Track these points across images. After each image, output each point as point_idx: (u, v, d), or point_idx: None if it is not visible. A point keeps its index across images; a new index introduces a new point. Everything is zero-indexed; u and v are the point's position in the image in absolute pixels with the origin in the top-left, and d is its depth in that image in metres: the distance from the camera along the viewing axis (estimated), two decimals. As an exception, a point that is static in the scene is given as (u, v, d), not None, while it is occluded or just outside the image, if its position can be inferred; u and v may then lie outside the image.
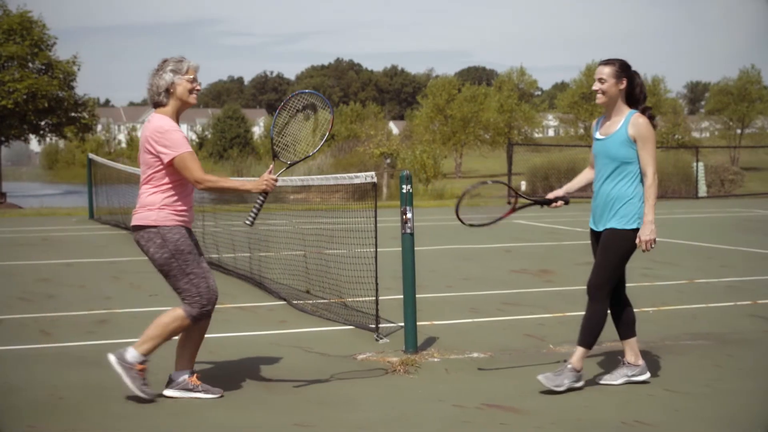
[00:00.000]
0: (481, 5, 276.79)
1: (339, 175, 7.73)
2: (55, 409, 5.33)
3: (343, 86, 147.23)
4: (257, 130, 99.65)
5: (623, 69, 5.63)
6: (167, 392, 5.53)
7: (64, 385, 5.83)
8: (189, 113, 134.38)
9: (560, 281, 10.38)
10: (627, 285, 5.93)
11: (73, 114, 34.90)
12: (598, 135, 5.75)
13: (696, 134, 69.26)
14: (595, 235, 5.77)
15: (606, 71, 5.62)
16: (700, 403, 5.39)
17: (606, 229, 5.61)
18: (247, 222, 5.52)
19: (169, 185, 5.42)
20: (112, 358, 5.40)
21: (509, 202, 5.46)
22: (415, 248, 6.70)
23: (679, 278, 10.50)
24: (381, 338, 7.16)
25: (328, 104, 5.76)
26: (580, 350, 5.64)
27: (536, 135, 67.91)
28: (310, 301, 8.73)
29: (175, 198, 5.44)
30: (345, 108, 79.99)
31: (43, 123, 34.64)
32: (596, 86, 5.68)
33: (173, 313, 5.49)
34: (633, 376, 5.80)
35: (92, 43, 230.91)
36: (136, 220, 5.48)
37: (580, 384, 5.65)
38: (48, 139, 37.71)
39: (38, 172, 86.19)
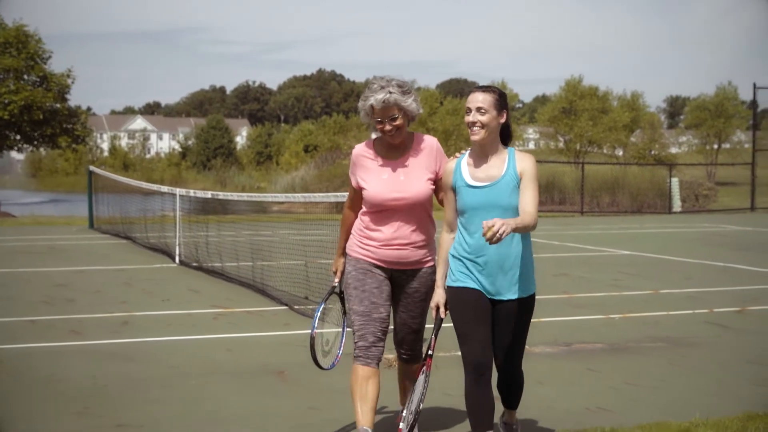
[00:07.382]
0: (462, 16, 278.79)
1: (306, 195, 8.49)
2: (102, 394, 6.17)
3: (326, 97, 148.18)
4: (240, 140, 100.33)
5: (503, 99, 4.53)
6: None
7: (104, 376, 6.67)
8: (171, 122, 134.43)
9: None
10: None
11: (66, 125, 35.69)
12: (472, 182, 4.54)
13: (674, 149, 70.37)
14: (478, 296, 4.52)
15: (488, 99, 4.44)
16: (653, 394, 6.30)
17: (519, 300, 4.59)
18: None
19: (362, 211, 5.02)
20: None
21: None
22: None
23: (645, 288, 11.36)
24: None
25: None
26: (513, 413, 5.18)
27: (517, 148, 68.78)
28: (311, 306, 9.51)
29: (363, 226, 4.98)
30: (328, 119, 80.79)
31: (36, 134, 35.38)
32: (474, 117, 4.46)
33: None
34: None
35: (72, 51, 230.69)
36: None
37: None
38: (41, 149, 38.39)
39: (21, 180, 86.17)
